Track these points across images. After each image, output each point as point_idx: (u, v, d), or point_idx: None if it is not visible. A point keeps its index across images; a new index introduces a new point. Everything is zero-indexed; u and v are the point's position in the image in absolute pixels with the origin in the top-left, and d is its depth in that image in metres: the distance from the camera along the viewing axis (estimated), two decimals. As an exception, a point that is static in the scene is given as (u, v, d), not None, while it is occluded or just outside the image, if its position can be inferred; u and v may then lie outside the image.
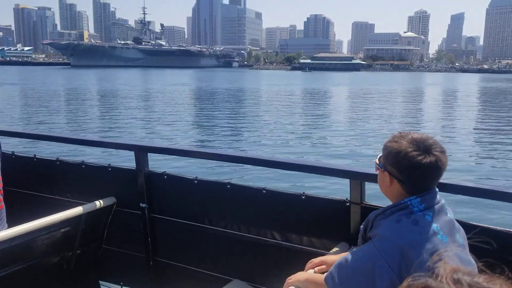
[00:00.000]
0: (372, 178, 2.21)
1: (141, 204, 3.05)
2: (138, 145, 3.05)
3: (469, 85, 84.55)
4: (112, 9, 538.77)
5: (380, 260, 1.54)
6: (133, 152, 3.02)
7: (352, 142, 17.97)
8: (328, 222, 2.48)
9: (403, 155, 1.60)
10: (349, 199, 2.37)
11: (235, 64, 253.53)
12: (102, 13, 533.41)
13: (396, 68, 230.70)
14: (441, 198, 1.69)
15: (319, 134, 19.99)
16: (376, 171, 1.80)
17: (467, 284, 0.65)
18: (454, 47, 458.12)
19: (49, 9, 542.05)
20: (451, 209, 1.71)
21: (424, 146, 1.60)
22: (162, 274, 3.17)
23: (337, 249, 2.30)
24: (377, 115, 27.89)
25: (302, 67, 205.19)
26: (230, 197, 2.77)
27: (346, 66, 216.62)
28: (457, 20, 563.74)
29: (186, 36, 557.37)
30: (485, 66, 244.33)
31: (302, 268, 2.09)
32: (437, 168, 1.60)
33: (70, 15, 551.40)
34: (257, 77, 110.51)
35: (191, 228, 2.95)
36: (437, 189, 1.68)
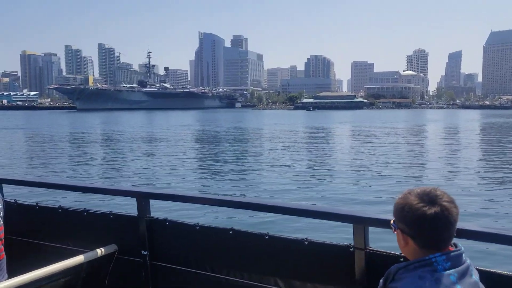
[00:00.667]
0: (376, 222, 2.19)
1: (142, 252, 3.02)
2: (139, 191, 3.05)
3: (473, 121, 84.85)
4: (116, 54, 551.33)
5: None
6: (135, 198, 3.01)
7: (356, 184, 17.82)
8: (331, 268, 2.43)
9: (408, 208, 1.58)
10: (352, 244, 2.33)
11: (238, 104, 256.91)
12: (107, 58, 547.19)
13: (399, 106, 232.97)
14: (467, 258, 1.63)
15: (323, 176, 19.89)
16: (393, 232, 1.76)
17: None
18: (453, 84, 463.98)
19: (55, 55, 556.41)
20: (476, 271, 1.66)
21: (429, 198, 1.57)
22: None
23: None
24: (382, 154, 27.85)
25: (305, 106, 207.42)
26: (233, 244, 2.74)
27: (349, 104, 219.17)
28: (455, 58, 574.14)
29: (189, 79, 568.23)
30: (487, 102, 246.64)
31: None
32: (445, 218, 1.55)
33: (76, 61, 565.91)
34: (260, 116, 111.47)
35: (193, 275, 2.89)
36: (462, 249, 1.63)
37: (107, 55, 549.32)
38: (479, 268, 1.91)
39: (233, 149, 32.12)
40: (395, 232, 1.71)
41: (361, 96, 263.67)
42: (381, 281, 1.76)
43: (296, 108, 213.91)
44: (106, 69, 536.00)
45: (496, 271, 1.95)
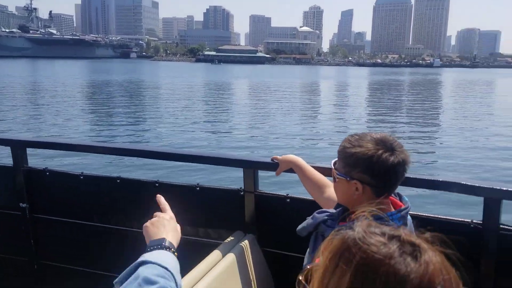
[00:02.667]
0: (265, 166, 2.24)
1: (21, 204, 2.79)
2: (14, 139, 2.78)
3: (368, 78, 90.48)
4: None
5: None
6: (9, 147, 2.74)
7: (247, 134, 18.31)
8: (223, 212, 2.47)
9: (376, 159, 1.49)
10: (243, 188, 2.37)
11: (133, 55, 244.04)
12: None
13: (299, 62, 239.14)
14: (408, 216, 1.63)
15: (216, 127, 20.06)
16: (334, 181, 1.67)
17: (381, 232, 0.68)
18: (345, 42, 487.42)
19: None
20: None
21: (390, 145, 1.53)
22: (49, 277, 2.93)
23: (232, 238, 2.30)
24: (275, 108, 28.72)
25: (208, 60, 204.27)
26: (121, 193, 2.64)
27: (251, 59, 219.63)
28: (347, 16, 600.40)
29: (75, 25, 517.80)
30: (379, 60, 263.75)
31: (198, 260, 2.04)
32: (405, 165, 1.54)
33: None
34: (162, 69, 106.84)
35: (79, 226, 2.76)
36: (409, 204, 1.62)
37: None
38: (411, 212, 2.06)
39: (129, 102, 30.77)
40: (341, 181, 1.61)
41: (260, 51, 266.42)
42: (312, 224, 1.65)
43: (198, 61, 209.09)
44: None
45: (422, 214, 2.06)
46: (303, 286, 0.82)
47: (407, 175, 1.99)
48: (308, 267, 0.80)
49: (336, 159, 1.65)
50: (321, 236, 1.60)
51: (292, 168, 2.14)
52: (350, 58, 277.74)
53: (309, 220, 1.66)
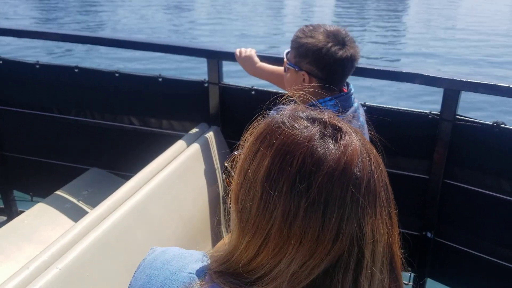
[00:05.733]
0: (230, 57, 2.18)
1: None
2: None
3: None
4: None
5: None
6: None
7: (213, 21, 17.59)
8: (186, 103, 2.45)
9: (325, 51, 1.49)
10: (207, 79, 2.33)
11: None
12: None
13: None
14: (355, 100, 1.63)
15: (177, 15, 19.07)
16: (285, 70, 1.66)
17: (305, 116, 0.68)
18: None
19: None
20: (363, 112, 1.68)
21: (341, 39, 1.51)
22: (12, 169, 2.91)
23: (197, 130, 2.31)
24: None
25: None
26: (80, 83, 2.54)
27: None
28: None
29: None
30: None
31: (162, 151, 2.05)
32: (353, 60, 1.54)
33: None
34: None
35: (37, 118, 2.68)
36: (353, 90, 1.62)
37: None
38: (372, 104, 2.08)
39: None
40: (290, 72, 1.62)
41: None
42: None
43: None
44: None
45: (384, 106, 2.11)
46: (228, 172, 0.80)
47: (371, 66, 2.03)
48: (236, 153, 0.78)
49: (289, 49, 1.64)
50: None
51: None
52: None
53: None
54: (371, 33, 17.01)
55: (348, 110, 1.55)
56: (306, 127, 0.65)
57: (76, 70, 2.50)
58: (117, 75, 2.46)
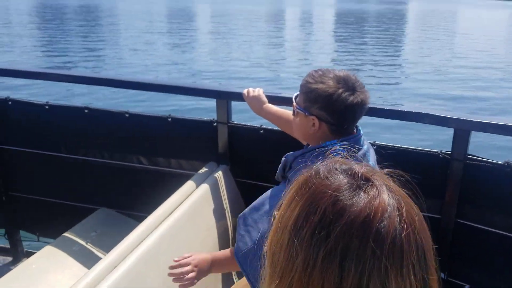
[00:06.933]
0: (238, 97, 2.21)
1: None
2: None
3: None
4: None
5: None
6: None
7: (219, 62, 17.89)
8: (196, 143, 2.46)
9: (336, 97, 1.50)
10: (215, 119, 2.35)
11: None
12: None
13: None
14: (365, 143, 1.63)
15: (186, 55, 19.45)
16: (293, 114, 1.67)
17: (338, 167, 0.69)
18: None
19: None
20: (374, 154, 1.68)
21: (352, 85, 1.52)
22: (19, 209, 2.91)
23: (206, 169, 2.31)
24: (242, 36, 27.99)
25: None
26: (89, 123, 2.57)
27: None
28: None
29: None
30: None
31: (172, 191, 2.05)
32: (364, 106, 1.55)
33: None
34: None
35: (45, 157, 2.70)
36: (361, 132, 1.62)
37: None
38: (383, 144, 2.09)
39: (86, 26, 29.12)
40: (300, 116, 1.63)
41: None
42: (280, 166, 1.69)
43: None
44: None
45: (396, 145, 2.11)
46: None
47: (379, 106, 2.04)
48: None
49: (298, 92, 1.66)
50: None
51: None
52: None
53: (280, 165, 1.68)
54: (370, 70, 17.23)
55: (357, 153, 1.55)
56: (337, 178, 0.66)
57: (86, 111, 2.53)
58: (127, 115, 2.48)
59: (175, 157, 2.51)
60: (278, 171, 1.71)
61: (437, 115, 1.94)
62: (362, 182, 0.65)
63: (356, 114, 1.56)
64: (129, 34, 25.59)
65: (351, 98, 1.51)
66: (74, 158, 2.67)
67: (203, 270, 1.63)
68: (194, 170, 2.37)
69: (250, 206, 1.68)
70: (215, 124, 2.36)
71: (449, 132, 1.98)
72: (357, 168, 0.68)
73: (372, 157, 1.66)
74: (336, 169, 0.69)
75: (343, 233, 0.59)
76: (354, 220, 0.60)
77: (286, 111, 2.05)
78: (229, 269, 1.89)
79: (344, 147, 1.47)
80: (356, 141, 1.59)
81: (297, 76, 14.19)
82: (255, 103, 2.11)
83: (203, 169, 2.30)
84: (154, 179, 2.57)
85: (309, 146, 1.66)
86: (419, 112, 1.98)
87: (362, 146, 1.61)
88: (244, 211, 1.69)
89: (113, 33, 25.69)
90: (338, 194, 0.63)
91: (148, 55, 18.41)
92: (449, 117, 1.93)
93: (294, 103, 1.66)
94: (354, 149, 1.50)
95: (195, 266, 1.60)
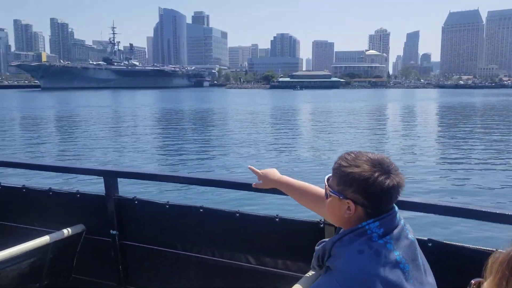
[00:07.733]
0: None
1: (111, 231, 2.97)
2: (107, 170, 2.99)
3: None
4: (70, 29, 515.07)
5: None
6: (102, 177, 2.95)
7: (323, 162, 18.03)
8: (302, 244, 2.45)
9: (372, 181, 1.48)
10: (322, 220, 2.37)
11: (206, 83, 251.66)
12: (60, 33, 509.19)
13: (374, 85, 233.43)
14: (401, 218, 1.60)
15: (292, 154, 19.99)
16: (326, 197, 1.64)
17: None
18: (411, 64, 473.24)
19: (2, 30, 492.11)
20: (411, 228, 1.64)
21: (387, 168, 1.52)
22: None
23: (313, 272, 2.29)
24: (349, 132, 28.23)
25: (282, 86, 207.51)
26: (203, 222, 2.73)
27: (325, 83, 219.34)
28: (413, 38, 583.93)
29: (147, 56, 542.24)
30: (461, 82, 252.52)
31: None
32: (399, 188, 1.53)
33: (26, 36, 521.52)
34: (245, 96, 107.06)
35: (163, 254, 2.88)
36: (396, 209, 1.59)
37: (60, 30, 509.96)
38: (439, 240, 2.02)
39: (206, 129, 31.75)
40: (333, 199, 1.59)
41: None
42: (317, 252, 1.65)
43: (273, 87, 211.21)
44: (59, 45, 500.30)
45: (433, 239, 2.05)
46: None
47: (424, 201, 2.01)
48: (472, 281, 1.07)
49: (330, 175, 1.63)
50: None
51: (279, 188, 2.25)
52: (422, 80, 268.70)
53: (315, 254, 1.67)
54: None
55: (395, 230, 1.53)
56: None
57: (201, 210, 2.72)
58: (237, 215, 2.61)
59: (282, 257, 2.52)
60: (313, 260, 1.67)
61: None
62: None
63: (392, 197, 1.53)
64: (243, 134, 27.01)
65: (387, 182, 1.49)
66: (187, 255, 2.81)
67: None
68: (301, 272, 2.34)
69: None
70: (322, 225, 2.36)
71: None
72: None
73: (411, 233, 1.61)
74: None
75: None
76: None
77: (316, 189, 2.11)
78: None
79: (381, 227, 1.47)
80: (391, 218, 1.55)
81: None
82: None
83: (310, 273, 2.28)
84: (261, 278, 2.59)
85: (341, 230, 1.63)
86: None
87: (399, 223, 1.57)
88: None
89: (230, 135, 27.35)
90: None
91: (262, 156, 19.12)
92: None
93: (327, 186, 1.63)
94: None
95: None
